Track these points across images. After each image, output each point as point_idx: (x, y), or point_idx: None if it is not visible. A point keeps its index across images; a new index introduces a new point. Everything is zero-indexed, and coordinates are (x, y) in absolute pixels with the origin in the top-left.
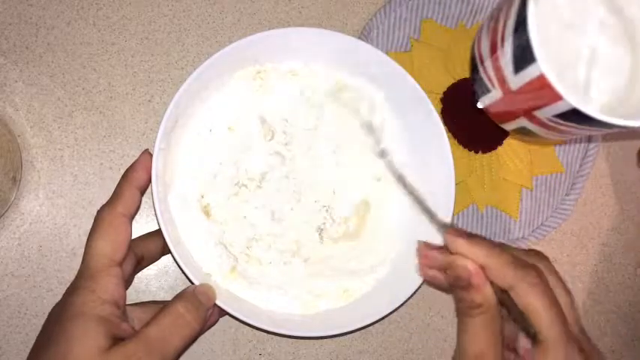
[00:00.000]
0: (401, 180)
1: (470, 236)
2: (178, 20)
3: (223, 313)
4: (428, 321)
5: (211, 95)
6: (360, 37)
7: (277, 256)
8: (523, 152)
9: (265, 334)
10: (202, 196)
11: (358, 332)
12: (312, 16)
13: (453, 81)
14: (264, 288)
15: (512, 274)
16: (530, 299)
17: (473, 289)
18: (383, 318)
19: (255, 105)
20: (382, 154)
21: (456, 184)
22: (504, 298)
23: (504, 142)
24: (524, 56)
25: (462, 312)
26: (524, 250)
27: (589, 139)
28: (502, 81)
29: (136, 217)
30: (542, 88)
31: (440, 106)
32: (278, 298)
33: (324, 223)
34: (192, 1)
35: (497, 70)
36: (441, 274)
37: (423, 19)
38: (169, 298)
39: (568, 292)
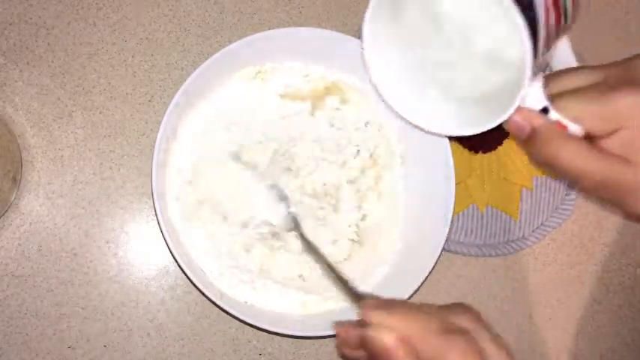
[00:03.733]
0: (312, 251)
1: (387, 303)
2: (178, 20)
3: (223, 312)
4: None
5: (211, 95)
6: (360, 37)
7: (276, 254)
8: (523, 152)
9: (265, 334)
10: (201, 195)
11: None
12: (312, 16)
13: None
14: (264, 288)
15: (437, 342)
16: None
17: None
18: None
19: (256, 105)
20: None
21: (456, 184)
22: None
23: (504, 142)
24: None
25: None
26: (447, 305)
27: None
28: None
29: (136, 217)
30: None
31: None
32: (278, 298)
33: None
34: (192, 1)
35: None
36: (362, 353)
37: None
38: (169, 299)
39: (501, 345)
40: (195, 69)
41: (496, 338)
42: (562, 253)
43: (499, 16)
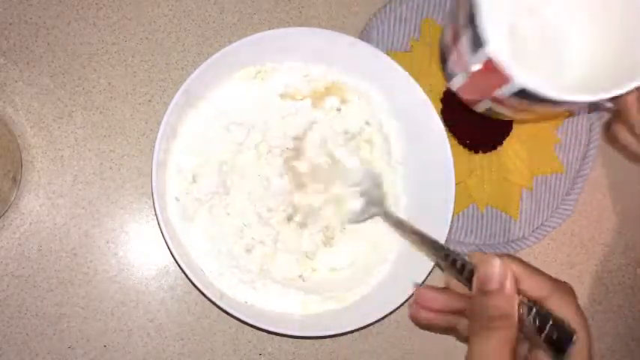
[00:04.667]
0: (400, 226)
1: (498, 254)
2: (178, 20)
3: (223, 312)
4: None
5: (211, 95)
6: (360, 37)
7: (276, 254)
8: (523, 152)
9: (265, 334)
10: (201, 195)
11: (358, 332)
12: (312, 16)
13: None
14: (265, 288)
15: (547, 282)
16: (567, 307)
17: (502, 294)
18: (383, 318)
19: (256, 105)
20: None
21: (456, 184)
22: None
23: (504, 142)
24: (477, 40)
25: (480, 325)
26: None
27: (590, 129)
28: (463, 64)
29: (136, 217)
30: (495, 69)
31: (440, 106)
32: (278, 298)
33: (325, 227)
34: (192, 1)
35: (458, 54)
36: (436, 315)
37: (423, 19)
38: (169, 299)
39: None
40: (195, 69)
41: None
42: (562, 253)
43: None
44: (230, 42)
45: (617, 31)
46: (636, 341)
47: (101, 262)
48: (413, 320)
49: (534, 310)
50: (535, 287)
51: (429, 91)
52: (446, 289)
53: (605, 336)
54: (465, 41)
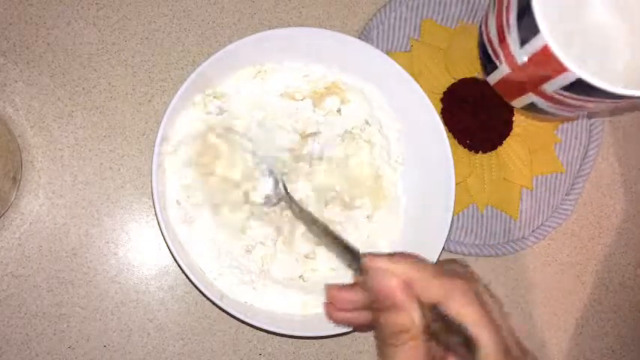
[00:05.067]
0: (305, 216)
1: (389, 254)
2: (178, 20)
3: (223, 312)
4: None
5: (212, 95)
6: (360, 37)
7: (276, 255)
8: (523, 152)
9: (265, 334)
10: (200, 195)
11: (358, 332)
12: (312, 16)
13: (453, 81)
14: (265, 288)
15: (441, 284)
16: (466, 309)
17: (397, 308)
18: None
19: (256, 105)
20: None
21: (456, 184)
22: (431, 319)
23: (504, 142)
24: (528, 29)
25: (384, 341)
26: (445, 260)
27: (590, 129)
28: (509, 56)
29: (136, 217)
30: (547, 60)
31: (440, 106)
32: (278, 298)
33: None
34: (192, 1)
35: (504, 46)
36: (353, 314)
37: (423, 19)
38: (169, 299)
39: (495, 297)
40: (195, 69)
41: (487, 287)
42: (562, 253)
43: None
44: (230, 42)
45: None
46: (636, 341)
47: (101, 262)
48: (332, 322)
49: (434, 314)
50: (432, 292)
51: (429, 92)
52: (357, 285)
53: (605, 336)
54: (513, 29)
